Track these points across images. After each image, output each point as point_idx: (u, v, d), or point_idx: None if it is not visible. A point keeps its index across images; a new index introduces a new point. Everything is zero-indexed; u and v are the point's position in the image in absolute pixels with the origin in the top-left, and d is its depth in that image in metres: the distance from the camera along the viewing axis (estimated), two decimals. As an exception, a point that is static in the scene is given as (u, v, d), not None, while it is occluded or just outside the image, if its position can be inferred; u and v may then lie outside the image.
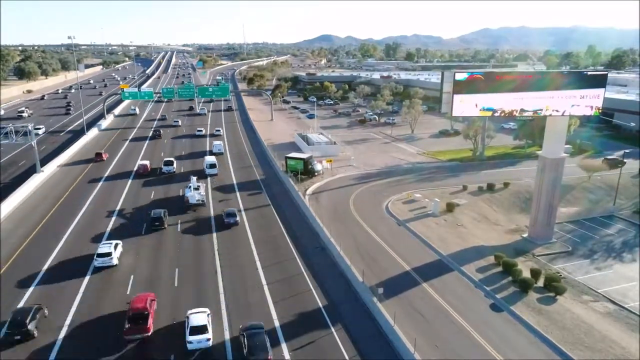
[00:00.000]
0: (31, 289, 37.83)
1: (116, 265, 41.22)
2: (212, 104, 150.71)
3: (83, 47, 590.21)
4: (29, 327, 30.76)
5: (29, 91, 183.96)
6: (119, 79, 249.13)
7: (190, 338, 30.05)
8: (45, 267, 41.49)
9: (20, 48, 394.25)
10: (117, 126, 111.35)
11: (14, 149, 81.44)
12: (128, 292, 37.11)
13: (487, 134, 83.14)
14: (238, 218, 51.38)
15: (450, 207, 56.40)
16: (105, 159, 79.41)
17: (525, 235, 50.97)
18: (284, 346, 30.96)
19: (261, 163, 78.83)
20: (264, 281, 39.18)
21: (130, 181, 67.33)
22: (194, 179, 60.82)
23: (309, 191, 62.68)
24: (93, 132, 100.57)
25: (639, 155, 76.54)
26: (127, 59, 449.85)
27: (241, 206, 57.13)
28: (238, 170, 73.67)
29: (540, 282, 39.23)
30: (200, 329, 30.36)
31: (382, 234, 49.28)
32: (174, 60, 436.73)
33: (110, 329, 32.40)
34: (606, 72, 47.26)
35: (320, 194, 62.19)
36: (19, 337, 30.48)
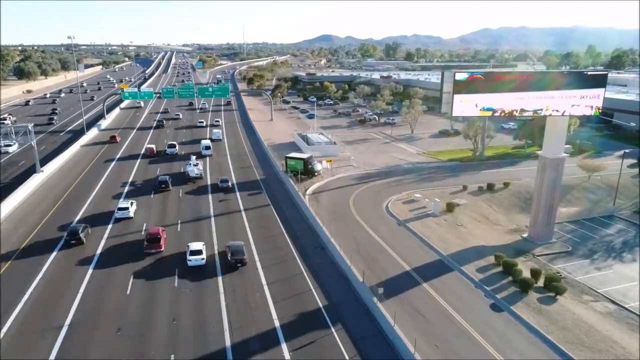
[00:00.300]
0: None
1: (132, 217, 52.20)
2: (212, 99, 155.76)
3: (83, 47, 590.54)
4: (81, 235, 45.20)
5: (29, 91, 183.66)
6: (114, 81, 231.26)
7: (190, 257, 40.93)
8: (77, 217, 52.79)
9: (20, 48, 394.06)
10: (118, 125, 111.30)
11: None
12: (144, 231, 48.87)
13: (487, 134, 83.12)
14: (230, 183, 63.60)
15: (450, 207, 56.40)
16: (118, 141, 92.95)
17: (525, 235, 50.96)
18: (284, 346, 30.93)
19: (261, 163, 78.82)
20: (264, 281, 39.17)
21: (139, 161, 79.01)
22: (194, 157, 73.27)
23: (309, 191, 62.66)
24: (93, 132, 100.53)
25: (639, 155, 76.47)
26: (126, 59, 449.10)
27: (241, 206, 57.16)
28: (238, 170, 73.66)
29: (541, 282, 39.21)
30: (197, 252, 41.36)
31: (382, 234, 49.27)
32: (173, 60, 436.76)
33: (133, 248, 44.70)
34: (606, 72, 47.27)
35: (320, 194, 62.19)
36: (73, 242, 44.90)
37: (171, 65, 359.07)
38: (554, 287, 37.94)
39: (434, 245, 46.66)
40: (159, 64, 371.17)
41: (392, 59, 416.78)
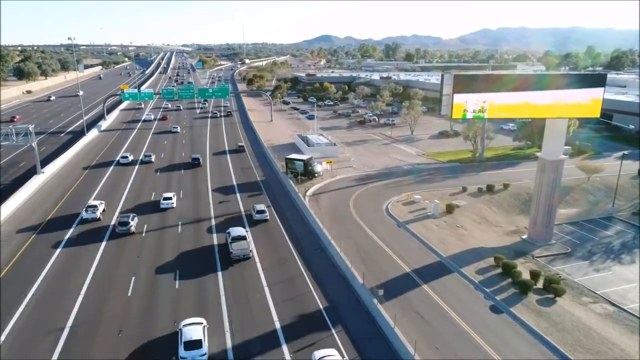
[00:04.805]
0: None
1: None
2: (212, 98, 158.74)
3: (82, 47, 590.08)
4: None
5: (29, 92, 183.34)
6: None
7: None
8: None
9: (19, 48, 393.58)
10: (118, 127, 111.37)
11: (14, 150, 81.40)
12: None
13: (487, 135, 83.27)
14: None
15: (450, 209, 56.53)
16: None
17: (524, 236, 51.12)
18: (284, 348, 31.09)
19: (261, 164, 78.93)
20: (264, 282, 39.30)
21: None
22: None
23: (309, 192, 62.76)
24: (93, 133, 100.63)
25: (639, 157, 76.67)
26: (126, 59, 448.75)
27: (241, 207, 57.27)
28: (238, 171, 73.79)
29: (540, 284, 39.39)
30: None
31: (382, 235, 49.40)
32: (173, 60, 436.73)
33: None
34: (605, 73, 47.44)
35: (320, 195, 62.30)
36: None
37: (171, 66, 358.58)
38: (553, 288, 38.10)
39: (434, 246, 46.79)
40: (159, 64, 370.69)
41: (392, 59, 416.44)
